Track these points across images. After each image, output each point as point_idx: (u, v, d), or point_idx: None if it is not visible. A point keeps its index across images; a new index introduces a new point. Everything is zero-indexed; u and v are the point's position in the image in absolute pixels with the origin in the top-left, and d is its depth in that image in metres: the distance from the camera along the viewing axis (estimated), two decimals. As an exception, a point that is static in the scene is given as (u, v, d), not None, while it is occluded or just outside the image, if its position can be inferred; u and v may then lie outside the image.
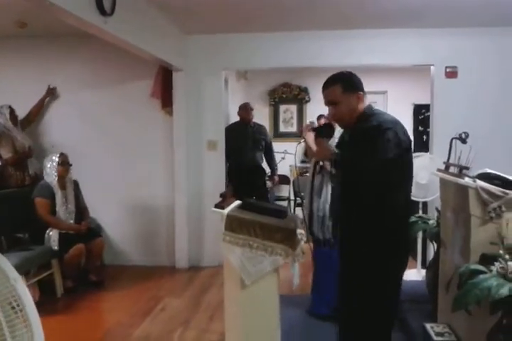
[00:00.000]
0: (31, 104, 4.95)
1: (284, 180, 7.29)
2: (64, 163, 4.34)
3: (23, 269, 3.68)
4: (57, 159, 4.32)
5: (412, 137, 7.29)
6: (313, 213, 3.10)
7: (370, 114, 2.26)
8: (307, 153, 3.36)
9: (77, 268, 4.28)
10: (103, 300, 4.18)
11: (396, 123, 2.18)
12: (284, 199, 7.27)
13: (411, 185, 2.31)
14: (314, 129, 2.53)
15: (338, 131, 2.64)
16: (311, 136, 2.68)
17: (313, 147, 2.43)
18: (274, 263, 2.57)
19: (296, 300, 3.71)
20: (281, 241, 2.55)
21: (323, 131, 2.42)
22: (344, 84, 2.26)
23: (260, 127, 5.86)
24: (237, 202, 2.83)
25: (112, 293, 4.27)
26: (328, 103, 2.34)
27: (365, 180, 2.17)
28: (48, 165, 4.32)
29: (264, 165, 5.92)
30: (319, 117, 7.41)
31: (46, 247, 4.12)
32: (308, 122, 7.03)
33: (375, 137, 2.12)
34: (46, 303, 3.93)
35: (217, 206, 2.70)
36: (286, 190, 7.48)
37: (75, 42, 4.88)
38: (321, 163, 2.36)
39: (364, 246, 2.23)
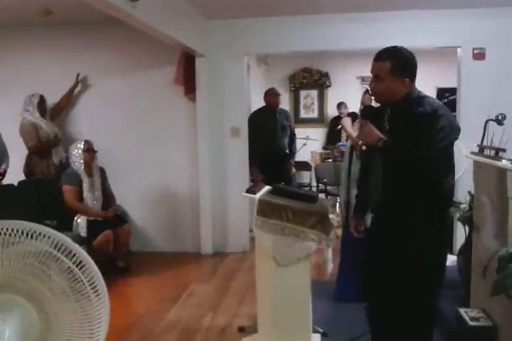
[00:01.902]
0: (59, 92, 4.97)
1: (306, 166, 7.26)
2: (89, 150, 4.36)
3: (52, 256, 3.72)
4: (82, 146, 4.34)
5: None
6: (350, 202, 3.03)
7: (420, 97, 2.20)
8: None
9: (105, 255, 4.31)
10: (131, 286, 4.23)
11: (446, 109, 2.15)
12: (305, 186, 7.24)
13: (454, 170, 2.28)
14: (349, 114, 2.49)
15: None
16: (348, 121, 2.64)
17: (351, 132, 2.39)
18: (308, 248, 2.57)
19: (328, 286, 3.70)
20: (314, 226, 2.54)
21: (366, 113, 2.34)
22: (393, 65, 2.14)
23: (286, 112, 5.84)
24: (268, 187, 2.82)
25: (140, 279, 4.32)
26: (372, 74, 2.24)
27: (416, 168, 2.12)
28: (74, 153, 4.35)
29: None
30: (339, 105, 7.32)
31: (74, 234, 4.15)
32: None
33: (430, 124, 2.08)
34: (76, 289, 4.00)
35: (248, 191, 2.70)
36: (307, 177, 7.45)
37: (100, 30, 4.89)
38: (363, 147, 2.26)
39: (413, 236, 2.18)
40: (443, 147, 2.11)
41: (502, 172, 2.36)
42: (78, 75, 5.01)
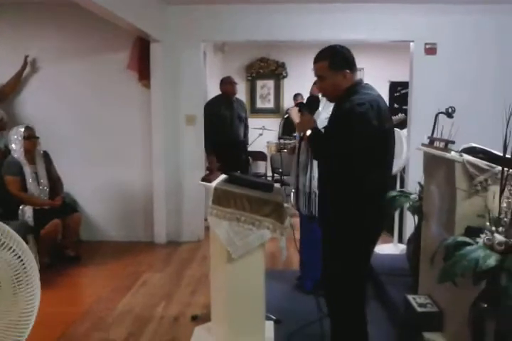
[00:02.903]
0: (5, 75, 4.75)
1: (261, 156, 7.29)
2: (30, 137, 4.18)
3: (-2, 244, 3.59)
4: (22, 133, 4.16)
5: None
6: (299, 189, 3.09)
7: (353, 92, 2.26)
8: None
9: (54, 244, 4.20)
10: (82, 275, 4.13)
11: (372, 105, 2.17)
12: (260, 176, 7.27)
13: (387, 164, 2.34)
14: (297, 104, 2.53)
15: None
16: (294, 110, 2.69)
17: (296, 121, 2.45)
18: (262, 237, 2.57)
19: (282, 275, 3.75)
20: (269, 215, 2.55)
21: (305, 105, 2.46)
22: (331, 61, 2.28)
23: (241, 102, 5.83)
24: (224, 176, 2.81)
25: (91, 269, 4.23)
26: (316, 76, 2.37)
27: (333, 162, 2.26)
28: (13, 139, 4.16)
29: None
30: (295, 96, 7.38)
31: (21, 222, 4.00)
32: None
33: (347, 121, 2.17)
34: (23, 279, 3.87)
35: (204, 179, 2.68)
36: (262, 167, 7.48)
37: (52, 11, 4.72)
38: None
39: (334, 223, 2.35)
40: (358, 144, 2.15)
41: (451, 163, 2.43)
42: (26, 57, 4.80)
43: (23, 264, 1.67)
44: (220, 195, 2.55)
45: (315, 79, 2.48)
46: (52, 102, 4.92)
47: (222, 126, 5.35)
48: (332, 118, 2.36)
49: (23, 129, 4.17)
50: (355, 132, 2.15)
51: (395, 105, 7.11)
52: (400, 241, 4.68)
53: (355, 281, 2.39)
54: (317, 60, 2.33)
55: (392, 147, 2.37)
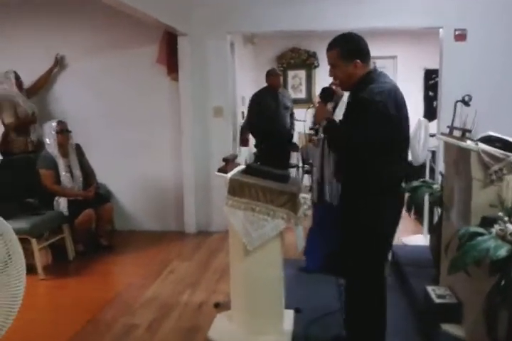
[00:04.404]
0: (35, 70, 4.94)
1: (294, 147, 7.26)
2: (62, 131, 4.35)
3: (35, 233, 3.79)
4: (55, 127, 4.33)
5: (421, 103, 7.14)
6: (323, 180, 3.10)
7: (369, 80, 2.25)
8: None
9: (88, 233, 4.38)
10: (114, 263, 4.29)
11: (389, 94, 2.16)
12: (292, 167, 7.26)
13: (403, 153, 2.33)
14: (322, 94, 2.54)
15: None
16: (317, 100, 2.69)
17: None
18: (277, 227, 2.61)
19: (301, 264, 3.78)
20: (283, 205, 2.58)
21: (322, 95, 2.46)
22: (341, 51, 2.28)
23: (286, 92, 6.05)
24: (240, 167, 2.86)
25: (123, 257, 4.39)
26: (328, 64, 2.37)
27: (351, 152, 2.25)
28: (47, 133, 4.34)
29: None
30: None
31: (57, 212, 4.20)
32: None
33: (365, 110, 2.15)
34: (59, 266, 4.09)
35: (220, 170, 2.74)
36: (294, 157, 7.47)
37: (79, 9, 4.87)
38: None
39: (352, 212, 2.33)
40: (377, 133, 2.14)
41: (466, 152, 2.40)
42: (57, 56, 4.98)
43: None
44: (236, 185, 2.61)
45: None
46: (84, 97, 5.09)
47: (268, 116, 5.53)
48: (348, 108, 2.35)
49: (55, 124, 4.35)
50: (373, 121, 2.14)
51: (430, 93, 6.96)
52: (430, 232, 4.61)
53: (372, 274, 2.37)
54: (329, 48, 2.33)
55: (408, 136, 2.36)
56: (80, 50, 5.04)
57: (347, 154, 2.33)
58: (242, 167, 2.84)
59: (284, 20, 4.81)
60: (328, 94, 2.46)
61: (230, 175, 2.65)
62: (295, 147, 6.48)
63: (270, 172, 2.76)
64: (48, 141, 4.34)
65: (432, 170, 4.65)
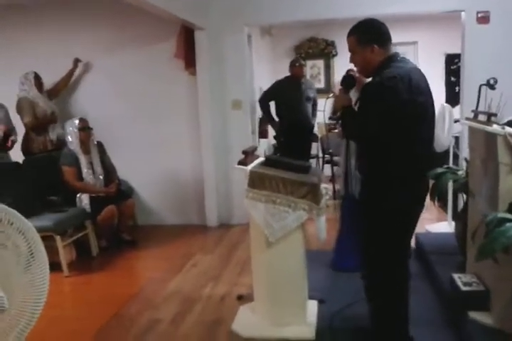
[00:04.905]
0: (57, 70, 4.97)
1: (313, 137, 7.19)
2: (84, 128, 4.38)
3: (59, 230, 3.82)
4: (77, 124, 4.37)
5: (443, 89, 6.96)
6: (349, 171, 3.05)
7: (385, 66, 2.20)
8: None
9: (110, 229, 4.41)
10: (137, 258, 4.32)
11: (402, 78, 2.10)
12: (313, 157, 7.20)
13: (422, 140, 2.24)
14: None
15: None
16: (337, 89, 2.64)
17: None
18: (298, 218, 2.58)
19: (323, 256, 3.74)
20: (305, 196, 2.55)
21: (343, 83, 2.41)
22: (358, 36, 2.27)
23: (309, 82, 5.95)
24: (260, 159, 2.83)
25: (145, 252, 4.41)
26: (349, 51, 2.36)
27: (363, 136, 2.23)
28: (69, 131, 4.38)
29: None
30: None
31: (79, 209, 4.24)
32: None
33: (374, 96, 2.13)
34: (83, 262, 4.13)
35: (240, 163, 2.71)
36: (314, 148, 7.40)
37: (96, 7, 4.90)
38: None
39: (375, 200, 2.28)
40: (387, 119, 2.10)
41: (493, 137, 2.33)
42: (77, 60, 5.02)
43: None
44: (255, 177, 2.58)
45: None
46: (104, 94, 5.11)
47: (291, 109, 5.51)
48: (361, 95, 2.30)
49: (77, 121, 4.38)
50: (383, 107, 2.10)
51: (452, 78, 6.80)
52: (454, 219, 4.52)
53: (393, 264, 2.33)
54: (348, 34, 2.33)
55: (429, 122, 2.27)
56: (97, 47, 5.06)
57: (362, 142, 2.32)
58: (262, 159, 2.80)
59: (302, 9, 4.73)
60: (349, 82, 2.40)
61: (249, 167, 2.62)
62: (315, 137, 6.45)
63: (290, 164, 2.73)
64: (69, 138, 4.37)
65: (456, 156, 4.55)
